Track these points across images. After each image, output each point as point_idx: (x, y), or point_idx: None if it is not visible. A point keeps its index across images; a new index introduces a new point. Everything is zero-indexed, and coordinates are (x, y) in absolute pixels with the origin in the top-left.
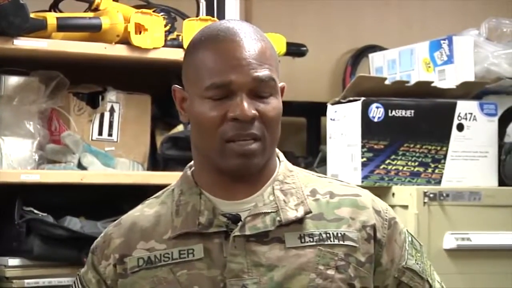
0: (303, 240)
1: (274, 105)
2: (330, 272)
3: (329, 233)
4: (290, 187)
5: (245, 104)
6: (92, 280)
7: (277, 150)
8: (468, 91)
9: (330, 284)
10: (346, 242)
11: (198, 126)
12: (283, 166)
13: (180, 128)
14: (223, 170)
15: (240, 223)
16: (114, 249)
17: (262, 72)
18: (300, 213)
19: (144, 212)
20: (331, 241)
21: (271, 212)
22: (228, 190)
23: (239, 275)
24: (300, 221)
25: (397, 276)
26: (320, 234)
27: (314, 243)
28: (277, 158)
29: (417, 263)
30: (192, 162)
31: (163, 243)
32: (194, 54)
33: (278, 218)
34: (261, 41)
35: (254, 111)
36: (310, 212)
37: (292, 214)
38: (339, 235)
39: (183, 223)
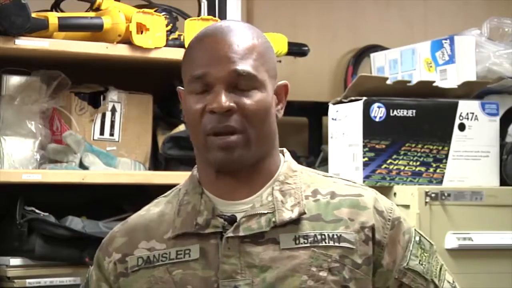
0: (297, 242)
1: (257, 98)
2: (323, 274)
3: (324, 235)
4: (290, 187)
5: (222, 97)
6: (94, 277)
7: (284, 149)
8: (469, 90)
9: (322, 286)
10: (342, 244)
11: (188, 121)
12: (285, 166)
13: (181, 127)
14: (211, 165)
15: (234, 224)
16: (116, 247)
17: (241, 67)
18: (294, 214)
19: (150, 211)
20: (326, 243)
21: (268, 213)
22: (228, 190)
23: (232, 276)
24: (296, 222)
25: (397, 277)
26: (315, 235)
27: (308, 245)
28: (282, 158)
29: (421, 264)
30: None
31: (163, 243)
32: (186, 53)
33: (273, 219)
34: (253, 39)
35: (231, 103)
36: (305, 213)
37: (287, 215)
38: (335, 236)
39: (182, 223)
